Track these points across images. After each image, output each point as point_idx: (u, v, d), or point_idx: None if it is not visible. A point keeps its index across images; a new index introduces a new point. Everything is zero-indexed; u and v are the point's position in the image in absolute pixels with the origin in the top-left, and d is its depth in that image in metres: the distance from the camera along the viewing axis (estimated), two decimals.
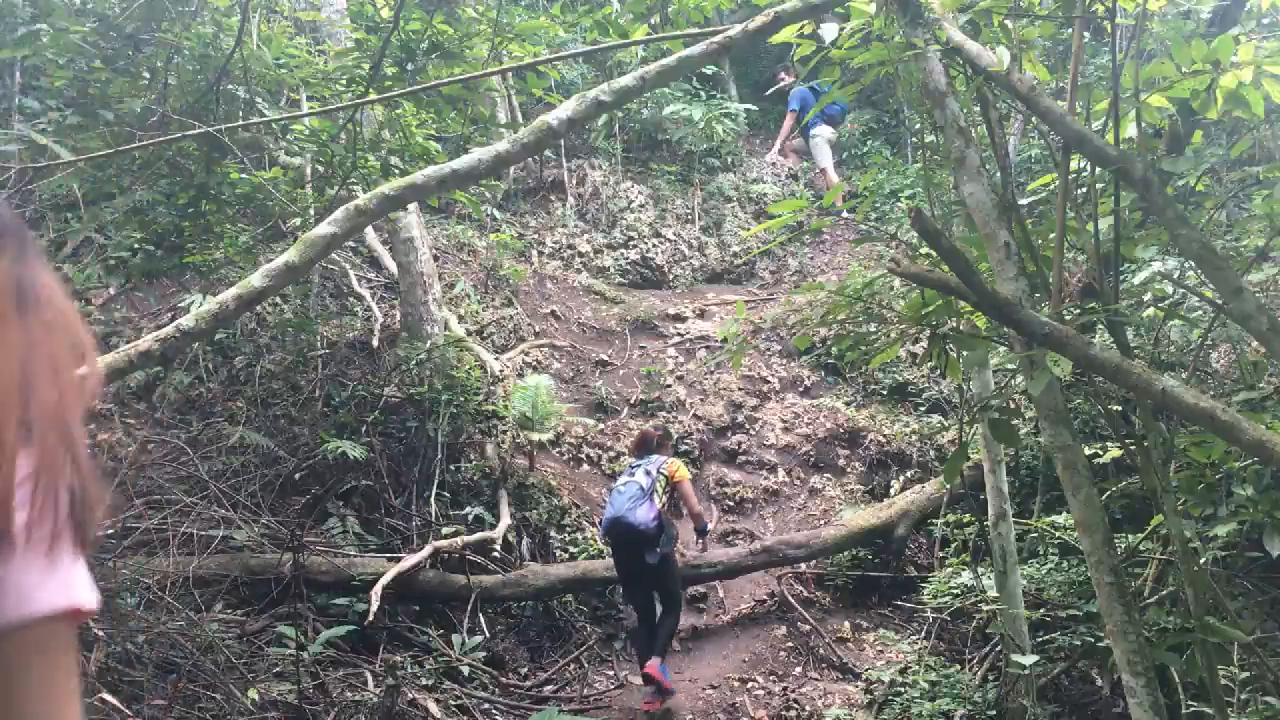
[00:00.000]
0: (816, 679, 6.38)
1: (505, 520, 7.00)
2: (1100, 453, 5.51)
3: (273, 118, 6.38)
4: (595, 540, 7.46)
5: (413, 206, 8.04)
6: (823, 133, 12.43)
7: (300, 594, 5.82)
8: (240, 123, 6.07)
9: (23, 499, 0.96)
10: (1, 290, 0.93)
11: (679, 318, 10.65)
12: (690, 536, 6.86)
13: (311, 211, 6.62)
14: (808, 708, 5.95)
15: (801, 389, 9.65)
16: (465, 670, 5.96)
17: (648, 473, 6.19)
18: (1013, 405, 6.11)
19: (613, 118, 12.03)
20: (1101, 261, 3.65)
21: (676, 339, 10.32)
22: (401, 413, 7.41)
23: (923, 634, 6.50)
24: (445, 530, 6.69)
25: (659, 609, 6.21)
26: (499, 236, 10.51)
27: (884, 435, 8.66)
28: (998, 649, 5.90)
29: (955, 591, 6.30)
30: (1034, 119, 4.49)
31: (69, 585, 0.97)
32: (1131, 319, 4.32)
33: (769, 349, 10.13)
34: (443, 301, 8.58)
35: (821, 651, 6.65)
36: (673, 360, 9.93)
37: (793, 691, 6.16)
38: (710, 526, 6.87)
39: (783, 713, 5.94)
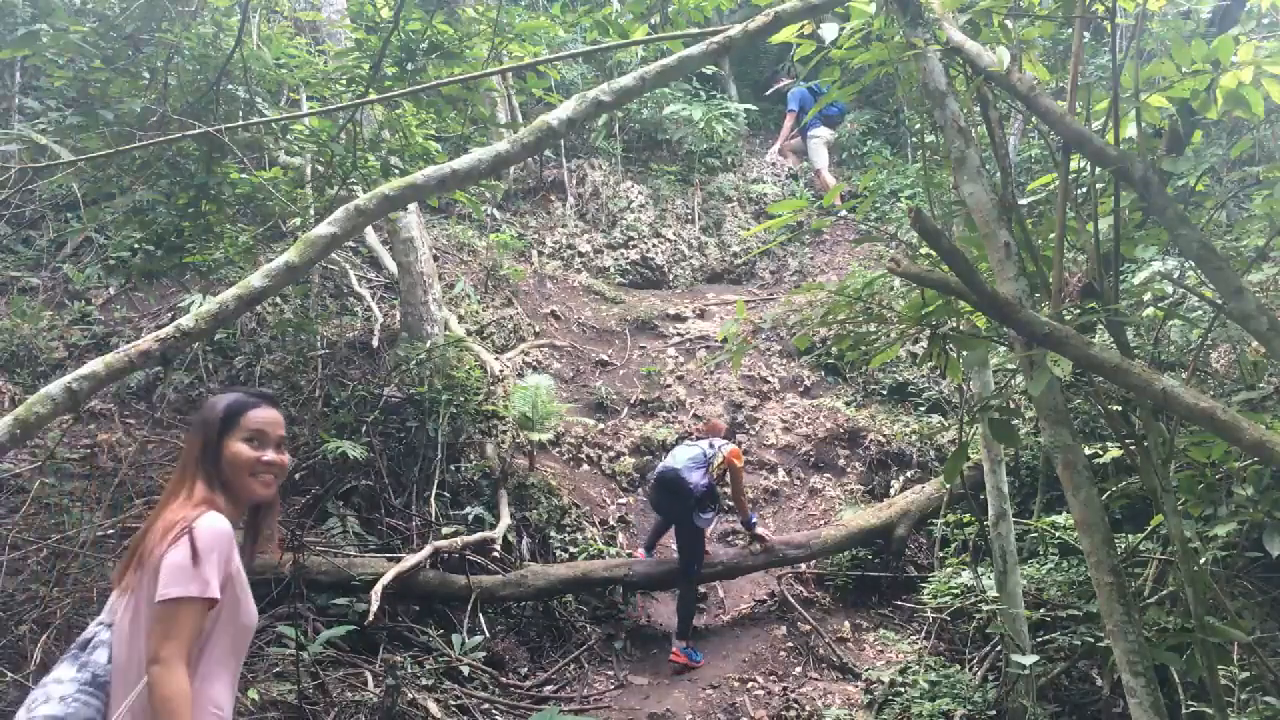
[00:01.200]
0: (816, 679, 6.38)
1: (505, 520, 7.00)
2: (1100, 453, 5.51)
3: (273, 118, 6.38)
4: (595, 540, 7.46)
5: (413, 206, 8.04)
6: (820, 134, 12.47)
7: (300, 594, 5.82)
8: (240, 123, 6.07)
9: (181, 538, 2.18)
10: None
11: (679, 318, 10.65)
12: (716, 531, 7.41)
13: (311, 211, 6.61)
14: (808, 708, 5.95)
15: (801, 389, 9.64)
16: (465, 670, 5.96)
17: (712, 445, 6.92)
18: (1013, 405, 6.12)
19: (613, 118, 12.03)
20: (1101, 261, 3.65)
21: (676, 339, 10.32)
22: (401, 413, 7.41)
23: (923, 634, 6.50)
24: (445, 530, 6.69)
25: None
26: (499, 236, 10.51)
27: (884, 435, 8.66)
28: (998, 649, 5.90)
29: (955, 591, 6.30)
30: (1034, 119, 4.48)
31: (195, 582, 2.13)
32: (1131, 319, 4.31)
33: (769, 349, 10.13)
34: (443, 301, 8.58)
35: (821, 651, 6.65)
36: (673, 360, 9.93)
37: (793, 691, 6.16)
38: (755, 520, 7.12)
39: (783, 713, 5.93)
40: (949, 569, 6.60)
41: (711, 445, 6.91)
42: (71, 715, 2.16)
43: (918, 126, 9.15)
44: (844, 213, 11.51)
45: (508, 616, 6.76)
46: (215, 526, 2.21)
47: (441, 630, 6.31)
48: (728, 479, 6.95)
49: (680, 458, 6.84)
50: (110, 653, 2.22)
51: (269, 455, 2.42)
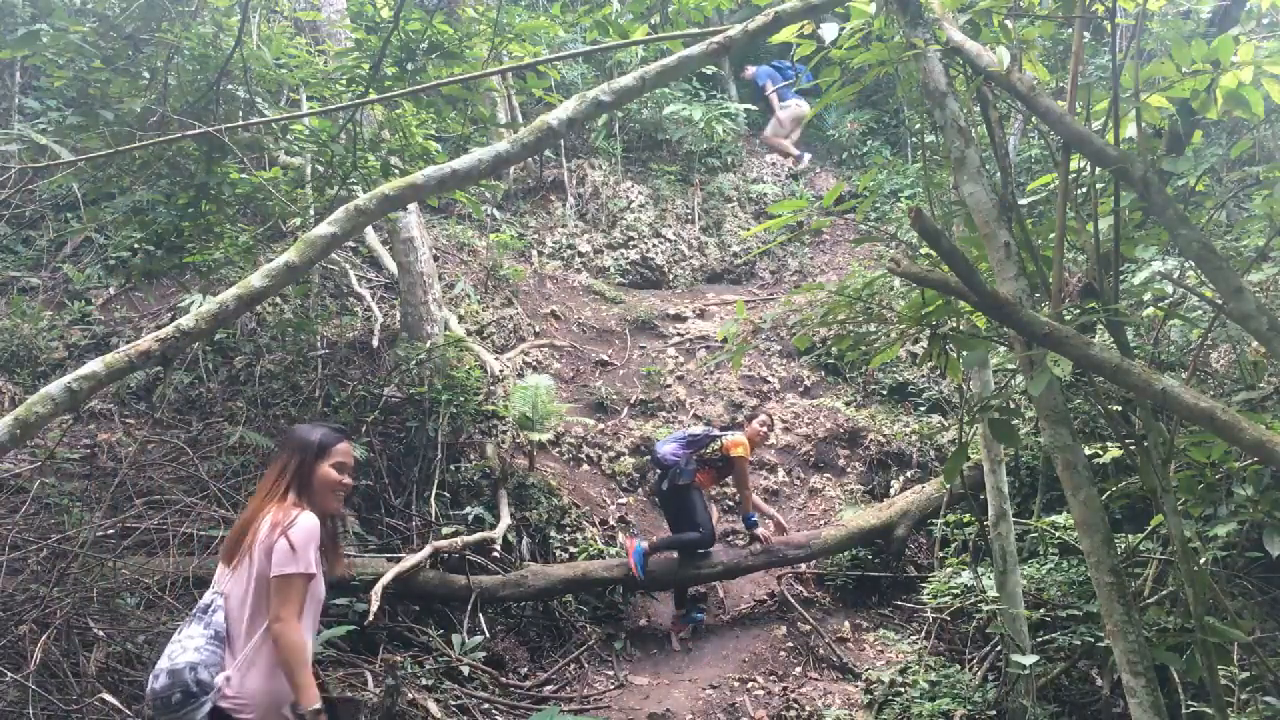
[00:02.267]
0: (816, 679, 6.38)
1: (505, 520, 7.00)
2: (1100, 453, 5.51)
3: (273, 118, 6.37)
4: (595, 540, 7.46)
5: (413, 206, 8.04)
6: (790, 106, 13.24)
7: None
8: (240, 123, 6.07)
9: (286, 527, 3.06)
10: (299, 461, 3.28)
11: (679, 318, 10.65)
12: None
13: (311, 211, 6.62)
14: (808, 708, 5.95)
15: (801, 389, 9.64)
16: (465, 670, 5.96)
17: (706, 430, 7.20)
18: (1013, 405, 6.12)
19: (613, 118, 12.03)
20: (1101, 261, 3.65)
21: (676, 339, 10.32)
22: (401, 413, 7.41)
23: (923, 634, 6.50)
24: (445, 530, 6.69)
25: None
26: (499, 236, 10.50)
27: (884, 435, 8.66)
28: (998, 649, 5.90)
29: (955, 591, 6.30)
30: (1034, 119, 4.49)
31: (299, 562, 2.99)
32: (1131, 319, 4.31)
33: (769, 349, 10.13)
34: (443, 301, 8.58)
35: (821, 651, 6.64)
36: (673, 360, 9.93)
37: (793, 691, 6.16)
38: (755, 519, 7.07)
39: (783, 713, 5.93)
40: (949, 569, 6.60)
41: (707, 429, 7.22)
42: (204, 660, 2.93)
43: (918, 126, 9.15)
44: (844, 213, 11.55)
45: (508, 616, 6.76)
46: (311, 522, 3.07)
47: (441, 630, 6.31)
48: (731, 476, 6.97)
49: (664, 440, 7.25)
50: (224, 614, 3.03)
51: (346, 479, 3.29)
